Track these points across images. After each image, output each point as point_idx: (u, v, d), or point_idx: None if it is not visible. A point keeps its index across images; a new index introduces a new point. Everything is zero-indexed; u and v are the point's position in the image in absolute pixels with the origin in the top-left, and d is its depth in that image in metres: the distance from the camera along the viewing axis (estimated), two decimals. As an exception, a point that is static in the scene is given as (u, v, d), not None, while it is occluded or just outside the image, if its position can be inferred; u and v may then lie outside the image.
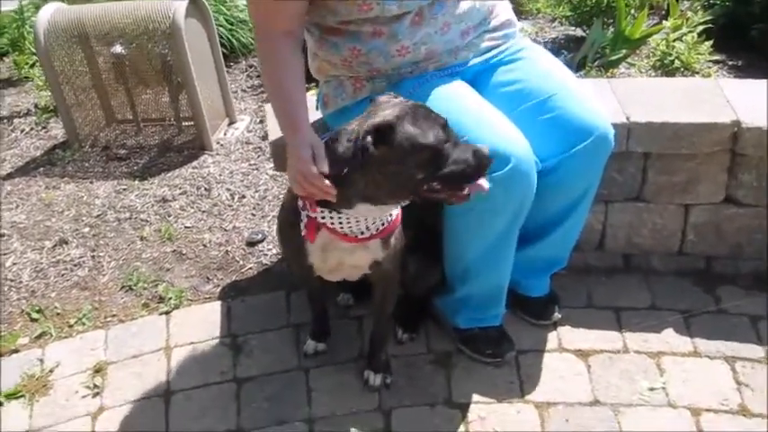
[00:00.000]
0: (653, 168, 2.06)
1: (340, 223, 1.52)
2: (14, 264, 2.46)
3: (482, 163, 1.46)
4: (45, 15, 2.99)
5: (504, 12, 1.87)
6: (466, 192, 1.49)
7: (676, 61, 2.89)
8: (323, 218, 1.51)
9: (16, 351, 2.08)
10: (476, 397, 1.83)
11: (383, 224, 1.57)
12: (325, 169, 1.45)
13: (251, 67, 3.72)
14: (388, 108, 1.46)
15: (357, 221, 1.52)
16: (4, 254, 2.51)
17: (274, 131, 2.03)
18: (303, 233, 1.56)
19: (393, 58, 1.72)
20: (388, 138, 1.40)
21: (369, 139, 1.39)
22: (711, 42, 2.94)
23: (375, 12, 1.64)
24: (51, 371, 1.99)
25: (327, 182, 1.44)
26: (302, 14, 1.68)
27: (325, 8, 1.67)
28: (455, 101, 1.68)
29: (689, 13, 3.12)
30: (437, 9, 1.70)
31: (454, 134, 1.48)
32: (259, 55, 1.77)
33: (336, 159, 1.42)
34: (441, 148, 1.43)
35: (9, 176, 3.02)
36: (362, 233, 1.54)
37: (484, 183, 1.50)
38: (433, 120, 1.45)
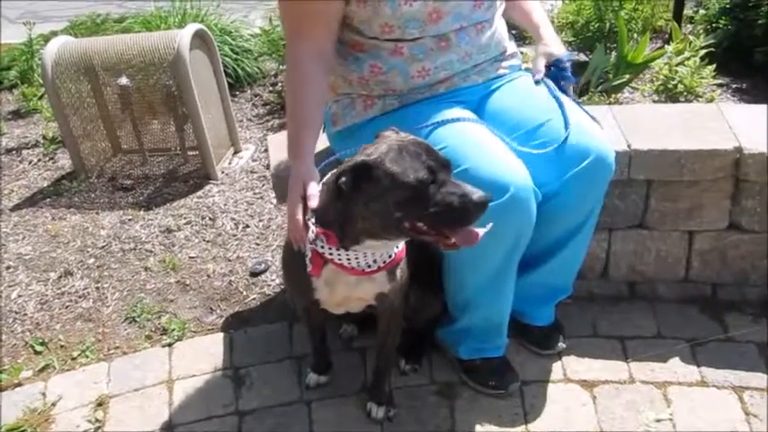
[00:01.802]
0: (655, 195, 2.05)
1: (348, 259, 1.52)
2: (20, 296, 2.47)
3: (468, 208, 1.39)
4: (53, 48, 3.04)
5: (511, 46, 1.93)
6: (452, 241, 1.43)
7: (679, 85, 2.88)
8: (330, 254, 1.51)
9: (19, 385, 2.07)
10: (479, 429, 1.80)
11: (390, 256, 1.56)
12: (313, 205, 1.48)
13: (256, 96, 3.75)
14: (384, 144, 1.46)
15: (365, 256, 1.52)
16: (10, 286, 2.52)
17: (276, 164, 2.05)
18: (309, 268, 1.55)
19: (412, 78, 1.76)
20: (372, 175, 1.41)
21: (343, 179, 1.41)
22: (714, 66, 2.94)
23: (396, 34, 1.70)
24: (54, 404, 1.99)
25: (301, 224, 1.49)
26: (334, 33, 1.71)
27: (351, 27, 1.72)
28: (457, 128, 1.69)
29: (691, 37, 3.12)
30: (461, 38, 1.75)
31: (448, 176, 1.43)
32: (286, 73, 1.78)
33: (322, 197, 1.48)
34: (420, 188, 1.39)
35: (17, 207, 3.04)
36: (369, 266, 1.54)
37: (473, 235, 1.43)
38: (421, 159, 1.41)
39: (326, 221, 1.49)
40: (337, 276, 1.57)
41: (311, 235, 1.51)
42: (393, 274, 1.62)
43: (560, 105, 1.74)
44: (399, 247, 1.60)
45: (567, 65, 1.85)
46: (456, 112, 1.74)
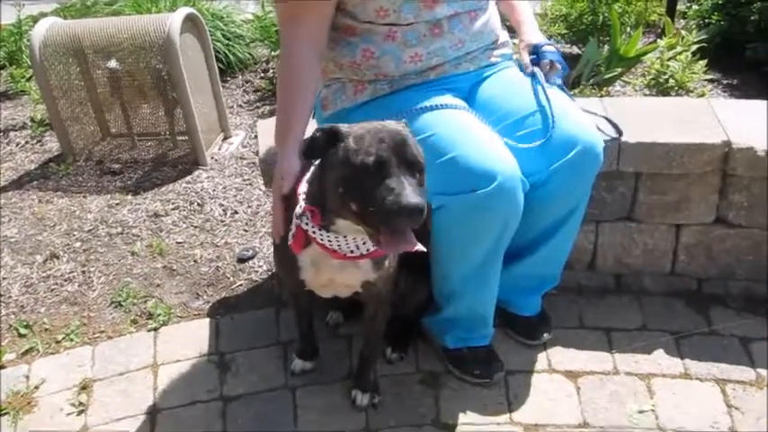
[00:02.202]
0: (644, 188, 2.05)
1: (329, 240, 1.50)
2: (4, 278, 2.45)
3: (395, 210, 1.30)
4: (41, 29, 3.00)
5: (503, 35, 1.93)
6: (380, 238, 1.37)
7: (671, 80, 2.89)
8: (313, 232, 1.50)
9: (3, 367, 2.06)
10: (464, 418, 1.81)
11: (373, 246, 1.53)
12: (285, 190, 1.53)
13: (247, 82, 3.73)
14: (367, 124, 1.45)
15: (345, 240, 1.50)
16: (-5, 268, 2.51)
17: (264, 150, 2.04)
18: (290, 242, 1.55)
19: (404, 64, 1.75)
20: (336, 143, 1.42)
21: (318, 134, 1.44)
22: (706, 61, 2.95)
23: (391, 18, 1.69)
24: (37, 387, 1.98)
25: (281, 214, 1.55)
26: (328, 19, 1.70)
27: (344, 11, 1.71)
28: (445, 115, 1.69)
29: (684, 32, 3.12)
30: (454, 24, 1.75)
31: (405, 174, 1.35)
32: (280, 60, 1.76)
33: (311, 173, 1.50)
34: (361, 172, 1.35)
35: (3, 190, 3.02)
36: (352, 252, 1.52)
37: (394, 242, 1.35)
38: (380, 147, 1.36)
39: (313, 198, 1.48)
40: (323, 258, 1.56)
41: (298, 210, 1.51)
42: (380, 264, 1.60)
43: (547, 97, 1.74)
44: None
45: (546, 48, 1.86)
46: (446, 99, 1.73)
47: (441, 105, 1.69)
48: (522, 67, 1.89)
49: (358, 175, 1.36)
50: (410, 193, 1.31)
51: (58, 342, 2.14)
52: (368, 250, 1.52)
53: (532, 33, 1.93)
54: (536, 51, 1.87)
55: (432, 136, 1.63)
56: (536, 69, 1.83)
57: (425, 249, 1.45)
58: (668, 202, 2.06)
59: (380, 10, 1.69)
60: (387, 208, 1.32)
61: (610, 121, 1.97)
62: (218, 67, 3.25)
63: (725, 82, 3.10)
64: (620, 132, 1.95)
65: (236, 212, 2.70)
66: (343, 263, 1.56)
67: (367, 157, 1.35)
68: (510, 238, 1.72)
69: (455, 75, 1.82)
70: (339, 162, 1.40)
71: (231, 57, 3.72)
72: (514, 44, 1.98)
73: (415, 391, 1.89)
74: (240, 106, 3.56)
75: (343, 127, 1.43)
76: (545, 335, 1.99)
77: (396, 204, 1.31)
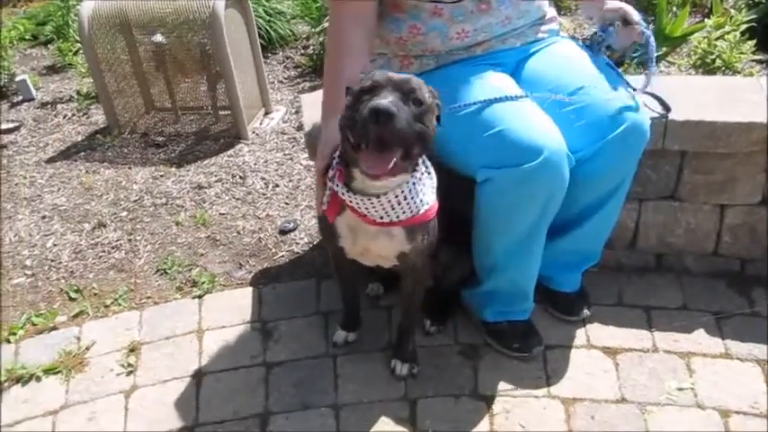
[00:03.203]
0: (689, 167, 2.03)
1: (357, 203, 1.51)
2: (55, 245, 2.53)
3: (362, 116, 1.35)
4: (89, 5, 3.07)
5: (551, 10, 1.93)
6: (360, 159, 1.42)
7: (717, 60, 2.83)
8: (343, 192, 1.52)
9: (55, 328, 2.14)
10: (501, 390, 1.83)
11: (405, 213, 1.53)
12: (327, 160, 1.58)
13: (288, 58, 3.76)
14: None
15: (372, 202, 1.50)
16: (46, 235, 2.59)
17: (309, 122, 2.07)
18: (324, 207, 1.58)
19: (450, 40, 1.76)
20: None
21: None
22: (755, 42, 2.88)
23: None
24: (88, 348, 2.05)
25: (320, 182, 1.60)
26: None
27: None
28: (494, 91, 1.69)
29: (732, 12, 3.06)
30: (501, 1, 1.74)
31: (394, 96, 1.37)
32: (328, 36, 1.78)
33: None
34: (355, 100, 1.41)
35: (51, 160, 3.10)
36: (381, 218, 1.53)
37: (371, 161, 1.39)
38: (380, 78, 1.41)
39: (341, 159, 1.53)
40: (358, 225, 1.59)
41: (330, 172, 1.55)
42: (414, 235, 1.61)
43: (594, 73, 1.74)
44: (420, 205, 1.55)
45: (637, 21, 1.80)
46: (496, 76, 1.73)
47: (490, 81, 1.70)
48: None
49: (355, 98, 1.41)
50: (382, 99, 1.34)
51: (106, 306, 2.21)
52: (397, 217, 1.53)
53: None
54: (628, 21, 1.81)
55: (479, 110, 1.64)
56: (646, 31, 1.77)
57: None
58: (713, 182, 2.04)
59: None
60: (361, 116, 1.36)
61: (657, 98, 1.95)
62: (260, 44, 3.28)
63: (773, 63, 3.03)
64: (667, 109, 1.93)
65: (277, 186, 2.74)
66: (377, 232, 1.58)
67: (367, 82, 1.41)
68: (554, 212, 1.73)
69: (501, 50, 1.82)
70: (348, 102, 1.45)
71: (272, 33, 3.75)
72: (561, 24, 1.95)
73: (454, 363, 1.92)
74: (281, 82, 3.59)
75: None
76: (584, 311, 2.00)
77: (366, 108, 1.34)
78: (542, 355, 1.91)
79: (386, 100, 1.34)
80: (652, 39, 1.81)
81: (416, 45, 1.79)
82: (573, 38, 1.90)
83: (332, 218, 1.60)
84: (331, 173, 1.56)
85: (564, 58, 1.83)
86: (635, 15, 1.81)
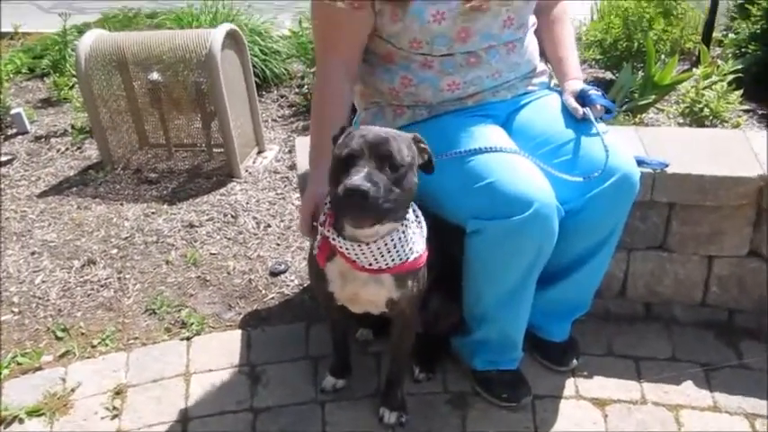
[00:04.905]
0: (677, 218, 2.06)
1: (347, 248, 1.53)
2: (43, 281, 2.52)
3: (337, 193, 1.40)
4: (87, 41, 3.10)
5: (541, 64, 1.96)
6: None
7: (705, 109, 2.89)
8: (334, 238, 1.54)
9: (40, 369, 2.12)
10: (490, 440, 1.82)
11: (394, 261, 1.55)
12: (310, 212, 1.67)
13: (282, 97, 3.80)
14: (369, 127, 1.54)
15: (362, 250, 1.51)
16: (35, 271, 2.57)
17: (302, 163, 2.08)
18: (315, 252, 1.60)
19: (441, 92, 1.79)
20: None
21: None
22: (741, 91, 2.94)
23: (425, 49, 1.73)
24: (73, 390, 2.03)
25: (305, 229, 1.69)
26: (362, 46, 1.77)
27: (379, 39, 1.77)
28: (485, 142, 1.71)
29: (719, 61, 3.12)
30: (492, 55, 1.78)
31: (366, 166, 1.40)
32: (315, 87, 1.83)
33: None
34: (335, 166, 1.46)
35: (43, 194, 3.10)
36: (371, 264, 1.54)
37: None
38: (357, 143, 1.43)
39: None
40: (348, 271, 1.60)
41: (321, 217, 1.58)
42: (403, 282, 1.62)
43: (591, 125, 1.76)
44: (410, 253, 1.56)
45: (591, 93, 1.81)
46: (487, 128, 1.76)
47: (481, 133, 1.73)
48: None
49: (335, 166, 1.46)
50: (357, 178, 1.38)
51: (93, 347, 2.19)
52: (387, 264, 1.55)
53: (575, 80, 1.88)
54: (582, 95, 1.82)
55: (470, 161, 1.66)
56: (586, 111, 1.78)
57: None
58: (701, 234, 2.07)
59: (414, 41, 1.72)
60: (335, 192, 1.42)
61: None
62: (255, 82, 3.31)
63: (760, 112, 3.09)
64: (665, 164, 1.95)
65: (268, 226, 2.75)
66: (367, 278, 1.60)
67: (344, 149, 1.44)
68: (544, 263, 1.74)
69: (493, 102, 1.85)
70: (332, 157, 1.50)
71: (267, 72, 3.80)
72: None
73: (442, 412, 1.91)
74: (275, 120, 3.62)
75: (349, 129, 1.52)
76: (573, 361, 2.00)
77: (341, 187, 1.39)
78: (531, 405, 1.90)
79: (359, 176, 1.38)
80: (611, 105, 1.84)
81: (408, 96, 1.82)
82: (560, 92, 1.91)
83: (323, 263, 1.61)
84: (322, 218, 1.58)
85: (554, 110, 1.85)
86: (589, 98, 1.80)
